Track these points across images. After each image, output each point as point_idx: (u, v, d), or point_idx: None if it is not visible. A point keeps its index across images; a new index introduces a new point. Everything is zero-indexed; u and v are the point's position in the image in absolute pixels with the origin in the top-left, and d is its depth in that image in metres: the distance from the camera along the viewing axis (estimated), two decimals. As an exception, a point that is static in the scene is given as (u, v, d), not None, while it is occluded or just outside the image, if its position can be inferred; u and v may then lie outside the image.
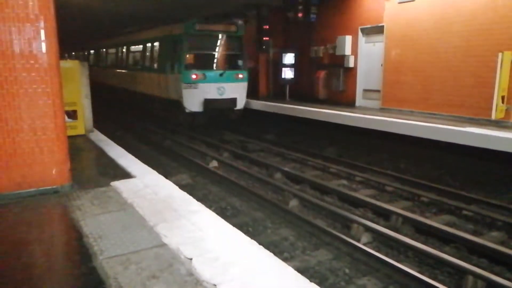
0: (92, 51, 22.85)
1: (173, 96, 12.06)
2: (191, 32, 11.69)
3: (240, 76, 12.36)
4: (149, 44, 14.29)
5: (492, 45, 8.38)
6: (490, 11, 8.41)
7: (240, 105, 12.44)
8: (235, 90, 12.22)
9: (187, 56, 11.75)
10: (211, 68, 12.03)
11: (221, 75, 11.91)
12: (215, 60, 12.27)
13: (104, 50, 20.33)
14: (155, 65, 13.53)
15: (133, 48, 16.13)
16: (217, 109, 12.06)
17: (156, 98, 13.41)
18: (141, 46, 15.15)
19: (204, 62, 12.03)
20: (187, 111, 11.68)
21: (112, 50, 18.77)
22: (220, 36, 12.22)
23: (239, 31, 12.44)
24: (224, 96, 11.99)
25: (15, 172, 4.28)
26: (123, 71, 16.97)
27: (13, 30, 4.07)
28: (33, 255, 3.11)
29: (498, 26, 8.29)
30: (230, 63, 12.51)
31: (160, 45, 13.24)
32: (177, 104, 11.87)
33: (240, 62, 12.64)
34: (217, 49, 12.32)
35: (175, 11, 16.84)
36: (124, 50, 17.07)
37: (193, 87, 11.56)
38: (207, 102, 11.67)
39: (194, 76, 11.51)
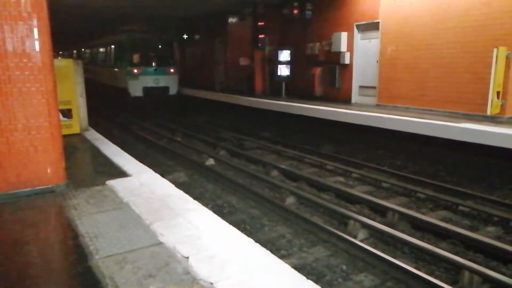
0: (74, 51, 27.00)
1: (123, 85, 16.38)
2: (132, 39, 16.53)
3: (171, 70, 17.17)
4: (108, 47, 18.61)
5: (487, 41, 8.39)
6: (484, 6, 8.42)
7: (172, 91, 17.18)
8: (167, 81, 16.94)
9: (131, 56, 16.49)
10: (148, 65, 16.67)
11: (155, 70, 16.65)
12: (152, 59, 16.96)
13: (83, 50, 24.73)
14: (112, 63, 17.84)
15: (100, 49, 20.49)
16: (154, 94, 16.58)
17: (113, 87, 17.61)
18: (104, 48, 19.55)
19: (143, 60, 16.72)
20: (132, 96, 16.15)
21: (88, 50, 23.28)
22: (154, 42, 17.19)
23: (168, 39, 17.83)
24: (159, 85, 16.65)
25: (9, 172, 4.24)
26: (95, 67, 20.44)
27: (6, 28, 4.03)
28: (28, 255, 3.09)
29: (493, 21, 8.31)
30: (163, 61, 17.10)
31: (114, 48, 17.69)
32: (125, 91, 16.18)
33: (170, 61, 17.61)
34: (152, 51, 17.13)
35: (172, 9, 16.78)
36: (95, 50, 21.48)
37: (135, 78, 16.15)
38: (146, 89, 16.34)
39: (135, 71, 16.17)
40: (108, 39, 18.66)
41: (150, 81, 16.42)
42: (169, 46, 17.68)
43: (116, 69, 17.18)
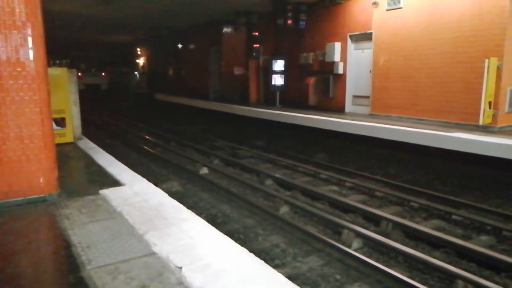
0: (51, 62, 39.00)
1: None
2: (79, 55, 30.18)
3: (103, 74, 30.00)
4: (68, 59, 29.63)
5: (478, 51, 8.52)
6: (476, 18, 8.56)
7: (103, 87, 29.75)
8: (100, 80, 29.62)
9: (78, 65, 27.12)
10: (89, 70, 29.32)
11: (93, 74, 29.34)
12: (91, 67, 30.18)
13: (56, 61, 34.09)
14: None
15: (63, 61, 30.03)
16: (92, 87, 28.14)
17: None
18: (66, 60, 29.92)
19: (86, 68, 29.34)
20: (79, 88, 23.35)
21: (57, 61, 32.60)
22: (94, 57, 30.70)
23: (102, 56, 30.43)
24: (96, 82, 29.07)
25: (1, 181, 4.20)
26: None
27: (0, 37, 4.03)
28: (20, 265, 3.05)
29: (484, 32, 8.44)
30: (98, 69, 30.17)
31: (70, 61, 29.31)
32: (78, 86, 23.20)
33: (103, 69, 30.31)
34: (92, 62, 30.29)
35: (168, 19, 16.89)
36: (62, 61, 31.09)
37: (81, 79, 23.74)
38: (88, 85, 27.42)
39: (80, 74, 24.11)
40: (68, 54, 30.16)
41: (89, 80, 28.14)
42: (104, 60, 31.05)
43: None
